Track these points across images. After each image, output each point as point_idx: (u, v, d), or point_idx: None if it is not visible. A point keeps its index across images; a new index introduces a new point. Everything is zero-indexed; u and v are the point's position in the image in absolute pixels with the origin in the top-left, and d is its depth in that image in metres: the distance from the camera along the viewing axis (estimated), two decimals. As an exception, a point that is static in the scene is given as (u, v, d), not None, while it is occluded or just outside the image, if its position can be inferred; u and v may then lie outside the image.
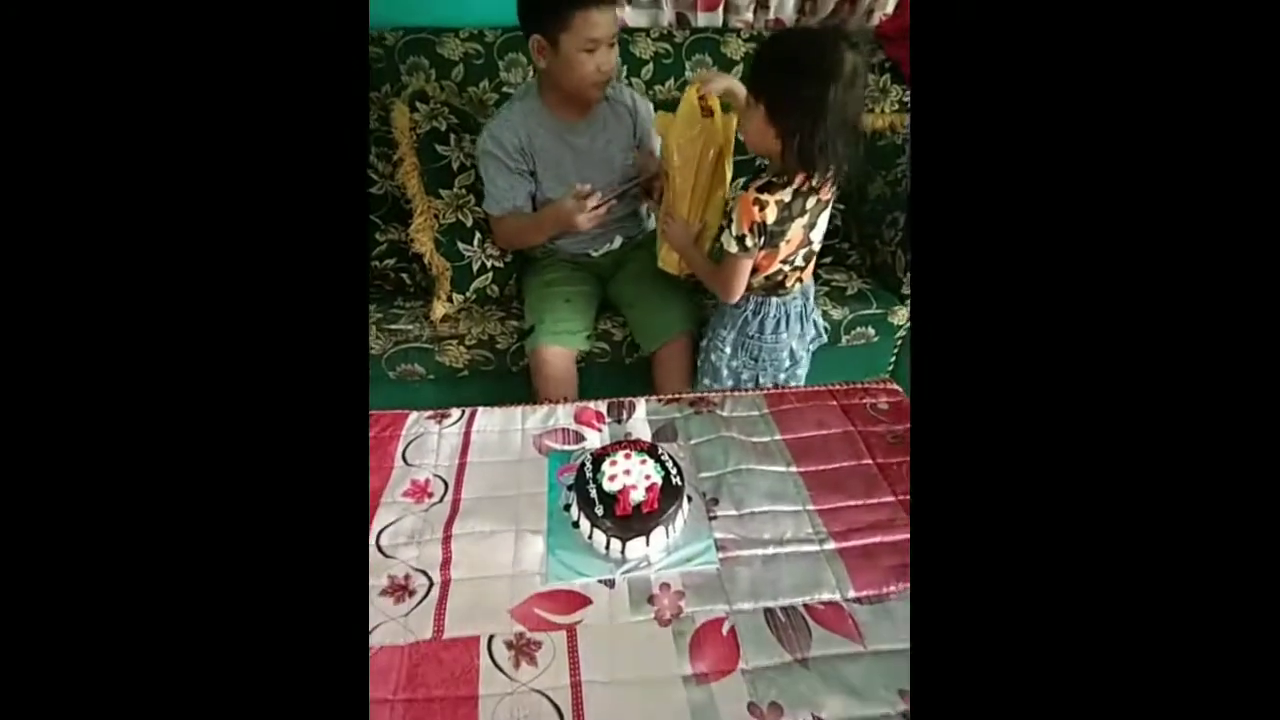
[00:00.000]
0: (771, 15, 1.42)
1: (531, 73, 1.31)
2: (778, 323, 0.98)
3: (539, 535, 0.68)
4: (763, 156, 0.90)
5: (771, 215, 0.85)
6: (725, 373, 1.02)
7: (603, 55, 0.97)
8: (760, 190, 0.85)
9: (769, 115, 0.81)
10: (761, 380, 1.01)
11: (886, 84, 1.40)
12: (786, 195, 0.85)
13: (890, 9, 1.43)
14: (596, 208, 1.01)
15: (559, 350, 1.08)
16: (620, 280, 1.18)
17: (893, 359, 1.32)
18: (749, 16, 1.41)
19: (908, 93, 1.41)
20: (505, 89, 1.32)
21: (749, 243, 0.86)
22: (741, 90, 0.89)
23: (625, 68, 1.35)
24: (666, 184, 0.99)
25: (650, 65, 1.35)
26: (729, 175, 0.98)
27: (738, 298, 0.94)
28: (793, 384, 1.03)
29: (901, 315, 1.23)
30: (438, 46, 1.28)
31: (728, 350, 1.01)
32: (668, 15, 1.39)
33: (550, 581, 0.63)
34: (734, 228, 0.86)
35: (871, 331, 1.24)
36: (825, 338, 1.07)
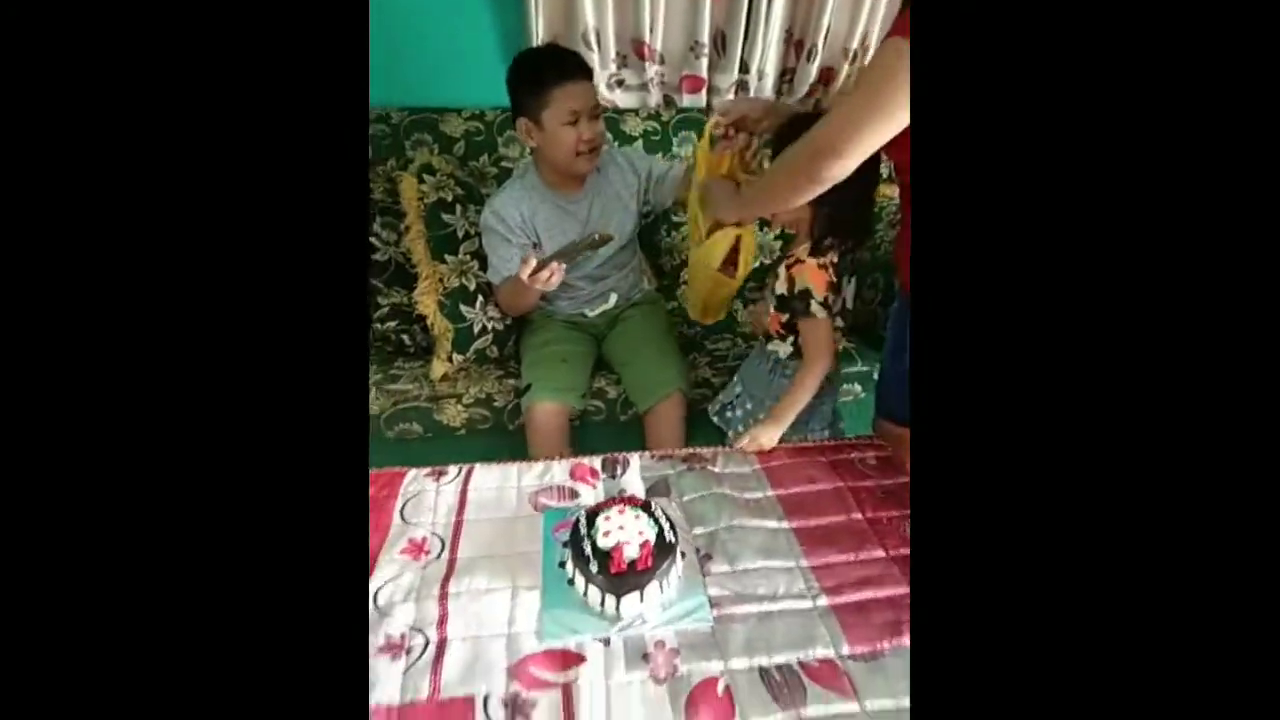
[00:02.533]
0: (751, 96, 1.54)
1: (526, 154, 1.40)
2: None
3: (534, 592, 0.68)
4: (789, 228, 0.96)
5: (832, 276, 0.90)
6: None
7: (585, 126, 1.04)
8: (812, 255, 0.90)
9: None
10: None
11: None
12: (835, 257, 0.91)
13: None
14: (537, 270, 0.98)
15: (553, 407, 1.11)
16: (615, 339, 1.23)
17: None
18: (730, 98, 1.53)
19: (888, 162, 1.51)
20: (504, 163, 1.40)
21: (830, 304, 0.90)
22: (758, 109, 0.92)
23: (616, 143, 1.45)
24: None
25: (640, 141, 1.45)
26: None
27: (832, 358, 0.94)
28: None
29: (886, 372, 1.28)
30: (441, 124, 1.37)
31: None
32: (655, 97, 1.50)
33: (545, 640, 0.63)
34: (816, 295, 0.88)
35: (859, 388, 1.28)
36: None
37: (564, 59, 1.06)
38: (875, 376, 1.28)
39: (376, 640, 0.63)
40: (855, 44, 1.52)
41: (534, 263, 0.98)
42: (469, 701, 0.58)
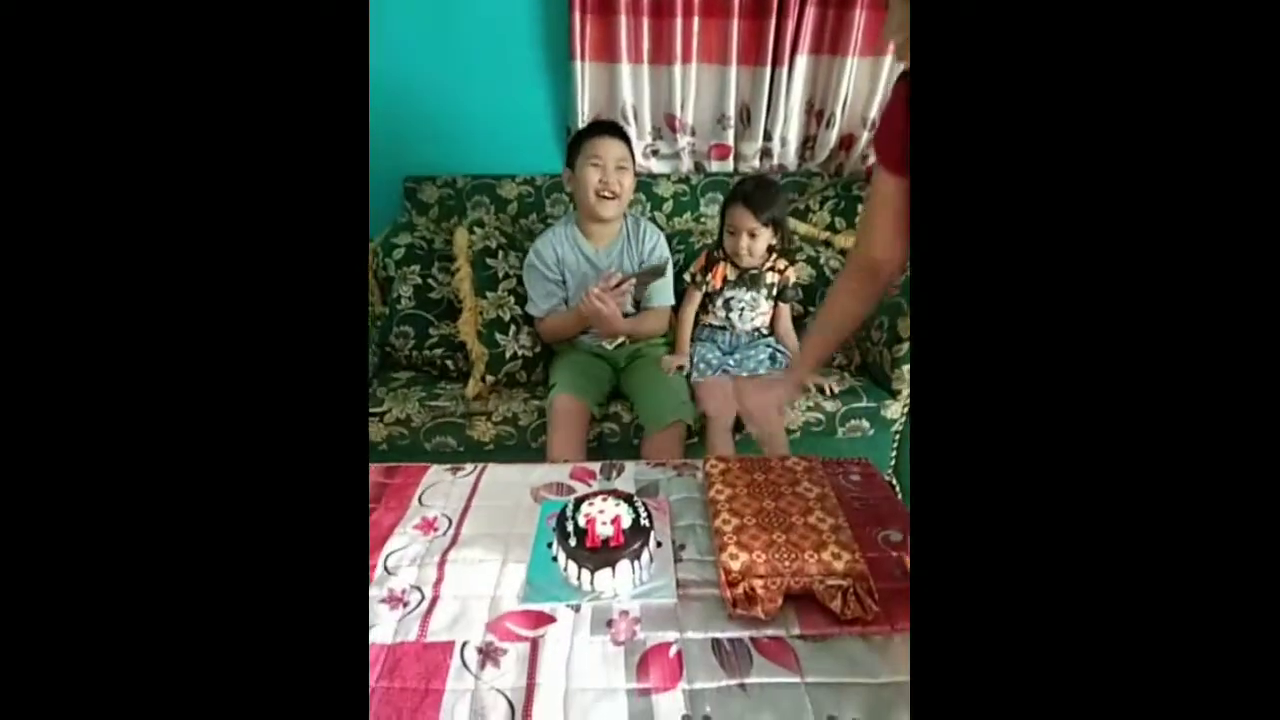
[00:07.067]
0: (775, 161, 1.68)
1: (570, 207, 1.60)
2: None
3: (521, 565, 0.76)
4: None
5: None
6: None
7: (606, 172, 1.27)
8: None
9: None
10: None
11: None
12: None
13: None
14: (604, 292, 1.23)
15: (574, 401, 1.23)
16: (630, 372, 1.34)
17: (893, 454, 1.37)
18: (755, 163, 1.68)
19: None
20: (549, 220, 1.60)
21: None
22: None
23: (649, 204, 1.62)
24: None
25: (670, 202, 1.62)
26: None
27: None
28: None
29: (894, 409, 1.31)
30: (498, 189, 1.59)
31: None
32: (686, 164, 1.68)
33: (524, 602, 0.71)
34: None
35: (866, 424, 1.31)
36: None
37: (603, 125, 1.34)
38: (885, 414, 1.31)
39: (380, 593, 0.73)
40: (873, 113, 1.65)
41: (616, 279, 1.24)
42: (449, 646, 0.66)
